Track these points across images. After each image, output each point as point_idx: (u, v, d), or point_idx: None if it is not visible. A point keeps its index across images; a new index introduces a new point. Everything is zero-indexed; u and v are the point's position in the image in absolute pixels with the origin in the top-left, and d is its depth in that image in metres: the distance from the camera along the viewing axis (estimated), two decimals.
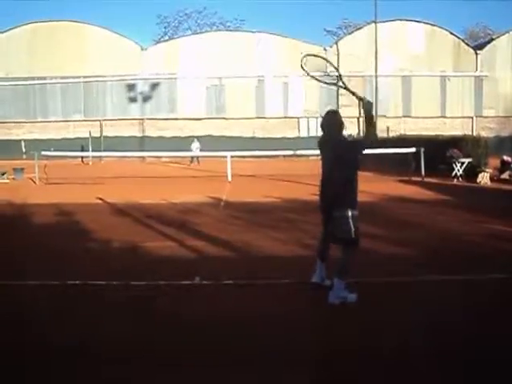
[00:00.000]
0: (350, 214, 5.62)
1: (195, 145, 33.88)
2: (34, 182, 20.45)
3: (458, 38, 44.03)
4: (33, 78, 42.14)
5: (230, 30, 51.01)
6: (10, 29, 42.83)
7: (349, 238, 5.65)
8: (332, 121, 6.08)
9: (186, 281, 6.44)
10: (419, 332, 4.83)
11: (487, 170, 19.62)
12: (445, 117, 42.74)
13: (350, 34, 45.98)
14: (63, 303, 5.77)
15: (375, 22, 40.24)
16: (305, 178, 20.35)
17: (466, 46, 43.65)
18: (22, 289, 6.33)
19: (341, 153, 5.83)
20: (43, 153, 22.97)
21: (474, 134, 33.60)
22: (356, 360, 4.32)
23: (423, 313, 5.31)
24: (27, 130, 41.73)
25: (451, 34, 43.27)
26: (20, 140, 39.99)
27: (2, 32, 43.13)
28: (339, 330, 4.96)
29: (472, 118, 42.82)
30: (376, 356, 4.36)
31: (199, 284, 6.35)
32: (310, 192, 15.18)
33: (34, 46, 41.76)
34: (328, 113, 6.25)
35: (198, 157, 32.87)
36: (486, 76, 42.76)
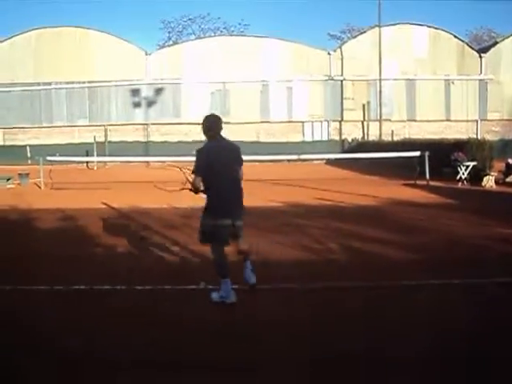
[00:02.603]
0: None
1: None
2: (40, 187, 20.49)
3: (462, 41, 43.92)
4: (38, 84, 42.30)
5: (234, 35, 51.11)
6: (16, 35, 42.97)
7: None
8: (221, 124, 6.14)
9: (190, 285, 6.44)
10: (423, 335, 4.82)
11: (492, 173, 19.56)
12: (449, 120, 42.61)
13: (353, 37, 45.96)
14: (69, 308, 5.78)
15: (379, 26, 40.27)
16: (309, 182, 20.37)
17: (470, 50, 43.54)
18: (27, 294, 6.34)
19: (241, 158, 6.18)
20: (48, 158, 23.04)
21: (479, 137, 33.41)
22: (359, 363, 4.31)
23: (428, 316, 5.30)
24: (32, 135, 41.83)
25: (455, 37, 43.16)
26: (25, 145, 40.15)
27: (8, 38, 43.34)
28: (343, 333, 4.95)
29: (477, 121, 42.66)
30: (379, 359, 4.35)
31: (204, 289, 6.35)
32: (314, 196, 15.21)
33: (39, 51, 41.91)
34: (214, 116, 6.24)
35: None
36: (490, 79, 42.63)
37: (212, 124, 6.04)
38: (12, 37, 43.03)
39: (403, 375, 4.10)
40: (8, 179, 21.74)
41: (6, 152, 40.19)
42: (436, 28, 42.97)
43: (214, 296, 5.88)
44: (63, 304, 5.93)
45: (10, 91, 42.08)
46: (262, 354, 4.49)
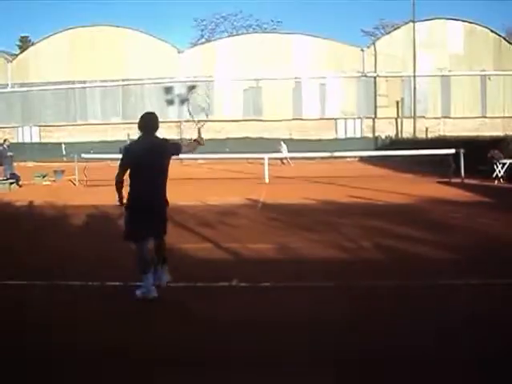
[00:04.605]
0: None
1: (282, 147, 33.93)
2: (74, 184, 20.78)
3: (499, 35, 43.07)
4: (73, 82, 43.02)
5: (267, 32, 51.07)
6: (51, 35, 43.80)
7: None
8: (157, 122, 6.35)
9: (223, 283, 6.44)
10: (450, 336, 4.72)
11: None
12: (485, 117, 41.90)
13: (387, 34, 45.50)
14: (101, 304, 5.83)
15: (413, 22, 39.80)
16: (342, 179, 20.22)
17: (508, 44, 42.69)
18: (65, 289, 6.42)
19: (170, 154, 6.49)
20: (83, 155, 23.38)
21: None
22: (392, 364, 4.25)
23: (457, 316, 5.20)
24: (67, 132, 42.57)
25: (491, 31, 42.39)
26: (60, 143, 40.88)
27: (44, 38, 44.18)
28: (374, 333, 4.87)
29: None
30: (418, 358, 4.29)
31: (237, 286, 6.34)
32: (347, 194, 15.11)
33: (74, 50, 42.59)
34: (151, 114, 6.40)
35: (287, 158, 32.44)
36: None
37: (149, 121, 6.35)
38: (48, 37, 43.89)
39: (426, 375, 4.03)
40: (44, 176, 22.14)
41: (43, 149, 41.11)
42: (471, 22, 42.28)
43: (138, 293, 5.91)
44: (95, 300, 5.98)
45: (46, 90, 42.88)
46: (293, 352, 4.46)
